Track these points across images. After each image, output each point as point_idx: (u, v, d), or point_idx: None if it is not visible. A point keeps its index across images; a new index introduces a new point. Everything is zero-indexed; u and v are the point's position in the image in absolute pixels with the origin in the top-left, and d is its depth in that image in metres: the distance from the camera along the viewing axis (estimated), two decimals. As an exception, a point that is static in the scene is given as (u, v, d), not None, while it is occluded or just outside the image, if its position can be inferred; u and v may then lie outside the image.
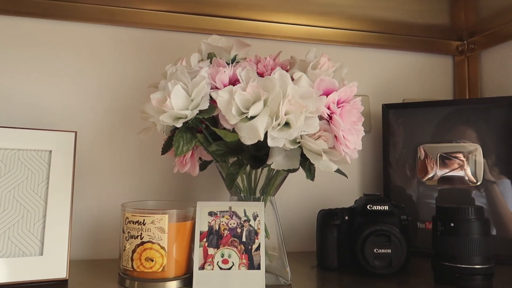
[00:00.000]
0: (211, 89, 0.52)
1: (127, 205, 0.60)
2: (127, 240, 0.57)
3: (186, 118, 0.49)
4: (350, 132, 0.53)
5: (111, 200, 0.75)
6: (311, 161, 0.53)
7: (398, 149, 0.85)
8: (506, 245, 0.75)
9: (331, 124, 0.52)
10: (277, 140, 0.49)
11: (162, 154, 0.56)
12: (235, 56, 0.63)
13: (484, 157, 0.78)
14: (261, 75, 0.59)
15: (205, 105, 0.49)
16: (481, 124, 0.80)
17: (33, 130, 0.63)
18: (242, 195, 0.62)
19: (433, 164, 0.82)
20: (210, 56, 0.60)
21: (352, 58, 0.92)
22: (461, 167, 0.80)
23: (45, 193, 0.61)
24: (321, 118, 0.52)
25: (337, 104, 0.52)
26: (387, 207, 0.67)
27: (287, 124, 0.49)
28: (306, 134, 0.50)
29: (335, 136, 0.52)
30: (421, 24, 0.89)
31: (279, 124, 0.49)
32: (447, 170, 0.81)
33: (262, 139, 0.48)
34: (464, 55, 0.97)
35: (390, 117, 0.86)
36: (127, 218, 0.58)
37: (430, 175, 0.82)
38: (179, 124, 0.49)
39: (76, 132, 0.66)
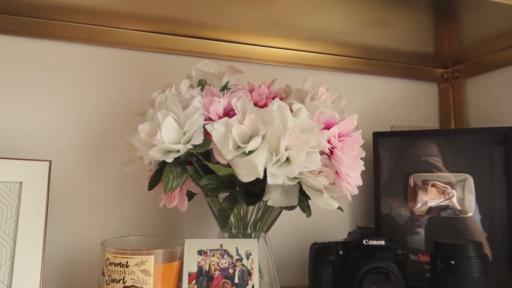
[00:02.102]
0: (204, 120, 0.48)
1: (107, 243, 0.54)
2: (108, 284, 0.52)
3: (179, 152, 0.45)
4: (352, 167, 0.50)
5: (89, 236, 0.68)
6: (311, 198, 0.49)
7: (389, 178, 0.83)
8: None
9: (332, 159, 0.49)
10: (277, 177, 0.46)
11: (149, 189, 0.51)
12: (227, 83, 0.59)
13: (474, 187, 0.77)
14: (255, 104, 0.56)
15: (199, 139, 0.45)
16: (471, 154, 0.79)
17: (1, 159, 0.57)
18: (233, 231, 0.57)
19: (423, 194, 0.81)
20: (201, 83, 0.56)
21: (339, 84, 0.90)
22: (451, 197, 0.79)
23: (14, 231, 0.55)
24: (321, 153, 0.49)
25: (338, 137, 0.50)
26: (383, 242, 0.64)
27: (286, 159, 0.46)
28: (307, 171, 0.47)
29: (336, 172, 0.49)
30: (407, 52, 0.88)
31: (278, 160, 0.45)
32: (438, 200, 0.80)
33: (261, 176, 0.44)
34: (449, 82, 0.98)
35: (380, 145, 0.84)
36: (108, 259, 0.52)
37: (420, 205, 0.81)
38: (169, 159, 0.45)
39: (50, 161, 0.60)
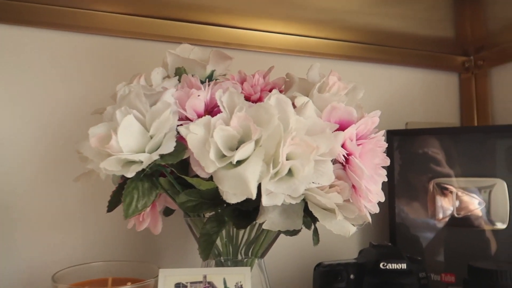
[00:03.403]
0: (179, 119, 0.37)
1: (60, 277, 0.43)
2: (59, 331, 0.40)
3: (142, 165, 0.33)
4: (373, 179, 0.38)
5: (48, 263, 0.56)
6: (320, 221, 0.38)
7: (405, 183, 0.72)
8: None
9: (348, 169, 0.37)
10: (275, 196, 0.34)
11: (108, 211, 0.39)
12: (212, 72, 0.48)
13: (508, 194, 0.66)
14: (247, 98, 0.44)
15: (169, 146, 0.34)
16: (501, 155, 0.67)
17: None
18: (221, 258, 0.46)
19: (445, 202, 0.69)
20: (179, 72, 0.45)
21: (347, 74, 0.77)
22: (479, 206, 0.67)
23: None
24: (334, 161, 0.37)
25: (356, 140, 0.38)
26: (405, 265, 0.53)
27: (288, 172, 0.34)
28: (316, 186, 0.35)
29: (354, 186, 0.38)
30: (424, 36, 0.77)
31: (277, 173, 0.34)
32: (464, 210, 0.68)
33: (254, 196, 0.32)
34: (471, 72, 0.86)
35: (395, 146, 0.72)
36: (60, 298, 0.41)
37: (442, 215, 0.69)
38: (130, 174, 0.33)
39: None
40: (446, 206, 0.69)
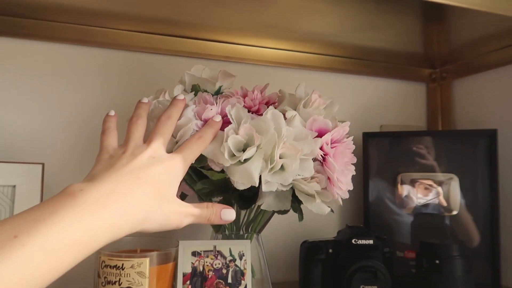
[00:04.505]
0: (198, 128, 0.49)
1: (102, 247, 0.55)
2: (104, 286, 0.53)
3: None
4: (343, 173, 0.51)
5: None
6: (303, 203, 0.51)
7: (378, 177, 0.85)
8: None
9: (324, 165, 0.50)
10: (271, 185, 0.47)
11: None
12: (219, 87, 0.60)
13: (460, 187, 0.80)
14: (248, 109, 0.57)
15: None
16: (457, 155, 0.81)
17: (-6, 163, 0.57)
18: (226, 232, 0.59)
19: (411, 192, 0.83)
20: (194, 88, 0.57)
21: (331, 84, 0.91)
22: (438, 195, 0.81)
23: (9, 234, 0.55)
24: (314, 159, 0.50)
25: (330, 144, 0.51)
26: (371, 241, 0.67)
27: (281, 167, 0.47)
28: (301, 177, 0.48)
29: (328, 178, 0.51)
30: (397, 52, 0.90)
31: (273, 168, 0.46)
32: (425, 198, 0.82)
33: (257, 184, 0.45)
34: (436, 83, 1.00)
35: (369, 145, 0.86)
36: (103, 261, 0.53)
37: (408, 203, 0.83)
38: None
39: (43, 164, 0.60)
40: (411, 196, 0.83)
